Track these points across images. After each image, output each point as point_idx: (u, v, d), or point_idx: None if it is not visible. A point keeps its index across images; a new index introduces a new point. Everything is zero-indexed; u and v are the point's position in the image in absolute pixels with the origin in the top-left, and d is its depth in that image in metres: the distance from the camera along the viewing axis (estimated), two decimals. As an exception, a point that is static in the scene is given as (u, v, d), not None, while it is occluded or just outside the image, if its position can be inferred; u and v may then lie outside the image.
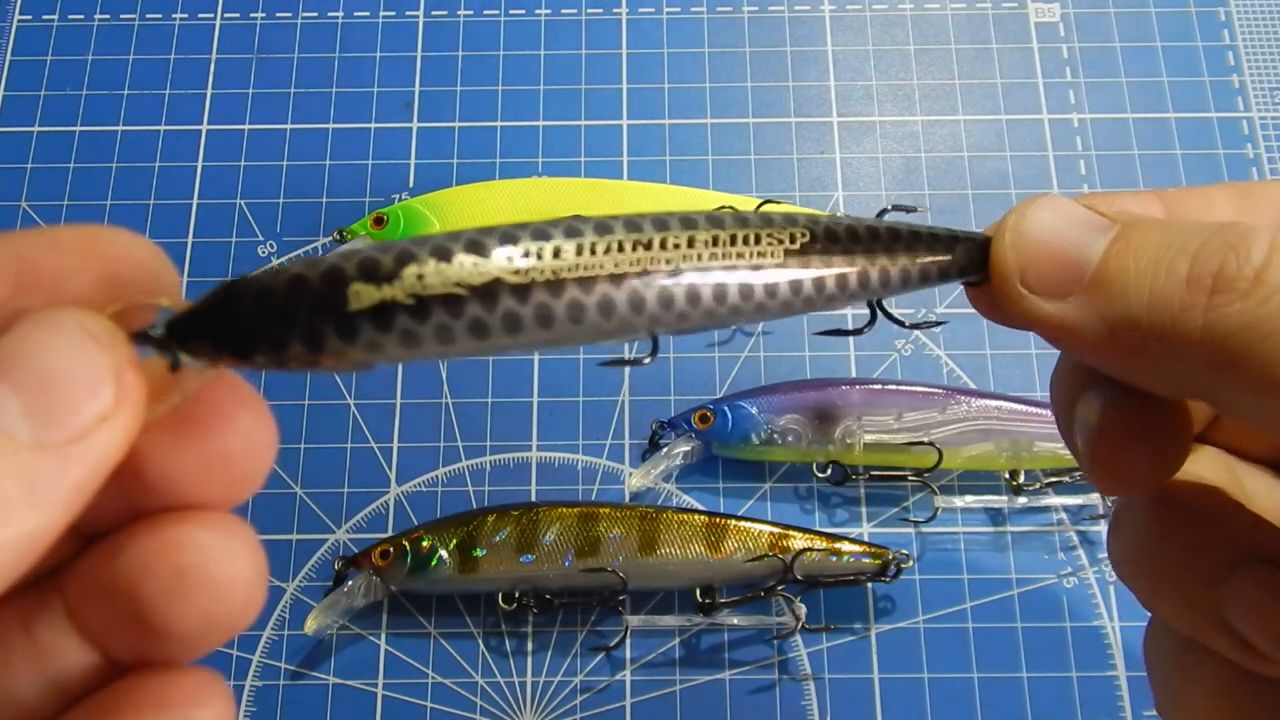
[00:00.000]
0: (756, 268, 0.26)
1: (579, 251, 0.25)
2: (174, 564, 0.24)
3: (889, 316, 0.30)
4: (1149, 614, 0.34)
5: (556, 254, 0.25)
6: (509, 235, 0.24)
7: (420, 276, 0.24)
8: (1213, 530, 0.30)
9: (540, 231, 0.25)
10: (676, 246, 0.26)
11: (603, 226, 0.25)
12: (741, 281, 0.26)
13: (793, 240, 0.27)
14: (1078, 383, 0.30)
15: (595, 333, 0.25)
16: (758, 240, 0.27)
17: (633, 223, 0.26)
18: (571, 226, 0.25)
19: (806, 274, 0.27)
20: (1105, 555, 0.61)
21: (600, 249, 0.25)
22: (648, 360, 0.29)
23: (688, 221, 0.26)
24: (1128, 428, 0.29)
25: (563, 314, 0.25)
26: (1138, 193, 0.31)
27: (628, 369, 0.65)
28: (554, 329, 0.25)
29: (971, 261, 0.29)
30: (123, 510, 0.25)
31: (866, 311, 0.30)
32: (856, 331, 0.32)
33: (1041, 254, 0.27)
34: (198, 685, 0.25)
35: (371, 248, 0.24)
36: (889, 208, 0.32)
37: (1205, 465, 0.33)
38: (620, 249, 0.25)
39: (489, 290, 0.24)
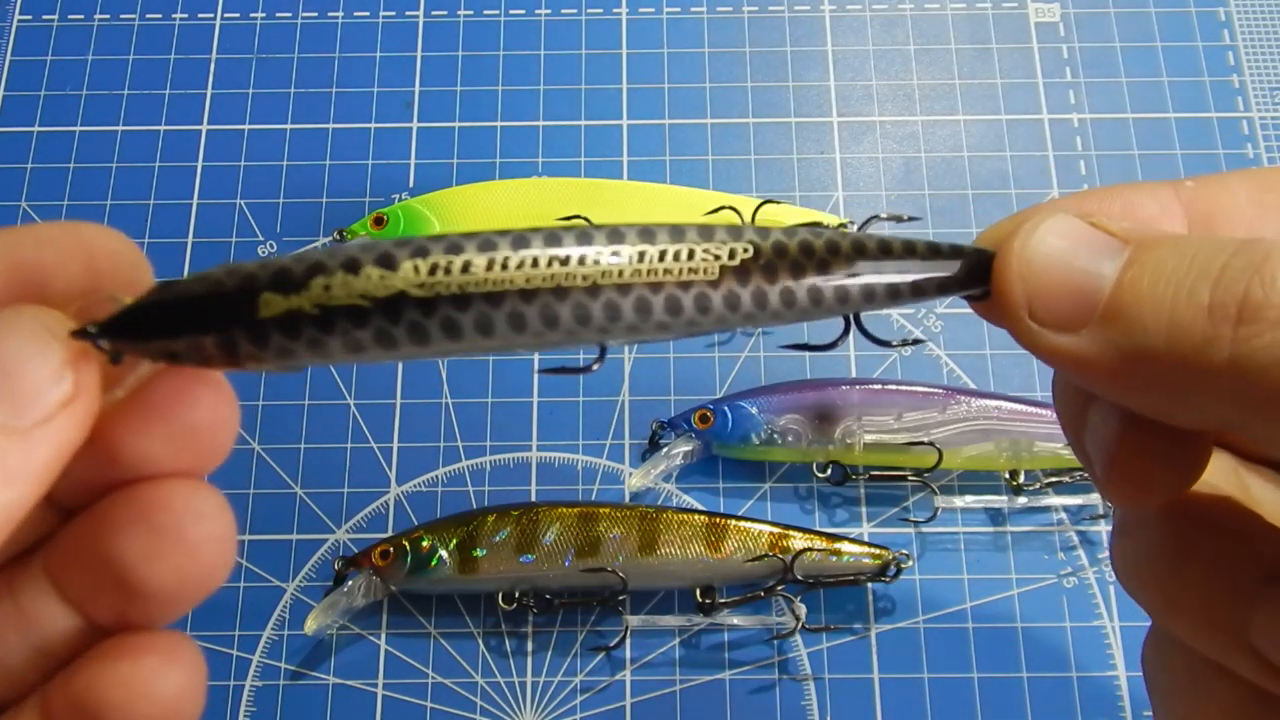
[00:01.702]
0: (685, 285, 0.26)
1: (489, 266, 0.24)
2: (150, 525, 0.26)
3: (865, 334, 0.29)
4: (1150, 622, 0.32)
5: (465, 268, 0.24)
6: (421, 248, 0.24)
7: (327, 288, 0.24)
8: (1234, 546, 0.28)
9: (454, 244, 0.25)
10: (596, 262, 0.25)
11: (520, 240, 0.25)
12: (668, 296, 0.25)
13: (732, 256, 0.26)
14: (1087, 392, 0.28)
15: (514, 344, 0.25)
16: (690, 255, 0.26)
17: (553, 235, 0.25)
18: (488, 240, 0.25)
19: (745, 290, 0.26)
20: (1106, 555, 0.61)
21: (513, 264, 0.25)
22: (595, 367, 0.28)
23: (615, 235, 0.25)
24: (1148, 441, 0.27)
25: (470, 327, 0.25)
26: (1153, 187, 0.28)
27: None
28: (464, 340, 0.25)
29: (969, 277, 0.27)
30: (101, 485, 0.27)
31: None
32: (825, 347, 0.29)
33: (1049, 285, 0.25)
34: (170, 646, 0.27)
35: (293, 256, 0.25)
36: (879, 215, 0.30)
37: (1214, 471, 0.30)
38: (535, 264, 0.25)
39: (393, 303, 0.24)
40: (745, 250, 0.26)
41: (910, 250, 0.27)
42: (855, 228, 0.29)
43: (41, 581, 0.28)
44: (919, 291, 0.27)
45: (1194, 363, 0.23)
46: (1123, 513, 0.31)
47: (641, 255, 0.25)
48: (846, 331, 0.28)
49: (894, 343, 0.31)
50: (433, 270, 0.24)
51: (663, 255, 0.25)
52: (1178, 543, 0.29)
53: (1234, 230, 0.28)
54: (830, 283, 0.26)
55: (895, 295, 0.27)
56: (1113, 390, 0.26)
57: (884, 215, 0.31)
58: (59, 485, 0.26)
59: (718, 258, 0.26)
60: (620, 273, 0.25)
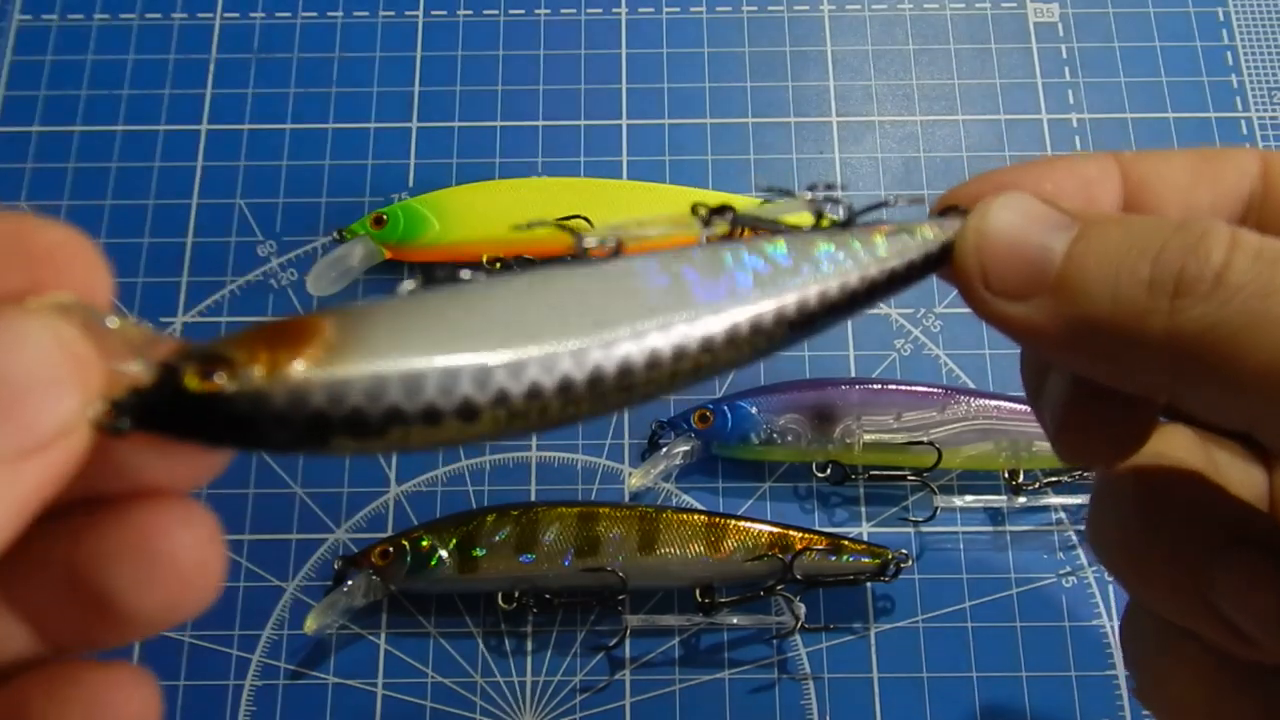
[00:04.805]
0: (722, 366, 0.26)
1: (564, 407, 0.24)
2: (142, 551, 0.24)
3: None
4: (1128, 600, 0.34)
5: (543, 412, 0.24)
6: (502, 394, 0.23)
7: (405, 438, 0.23)
8: (1198, 515, 0.30)
9: (535, 389, 0.23)
10: (653, 382, 0.25)
11: (597, 377, 0.24)
12: (705, 375, 0.26)
13: (770, 340, 0.27)
14: (1045, 360, 0.31)
15: None
16: (736, 347, 0.26)
17: (626, 367, 0.24)
18: (567, 379, 0.23)
19: (770, 350, 0.27)
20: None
21: (585, 399, 0.24)
22: None
23: (679, 352, 0.25)
24: (1093, 405, 0.29)
25: (519, 436, 0.25)
26: (1096, 155, 0.31)
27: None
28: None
29: (944, 255, 0.29)
30: (80, 496, 0.24)
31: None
32: None
33: (1003, 256, 0.27)
34: (127, 679, 0.25)
35: (365, 388, 0.22)
36: (890, 201, 0.32)
37: (1180, 446, 0.33)
38: (603, 399, 0.24)
39: (468, 440, 0.24)
40: (779, 330, 0.27)
41: (906, 258, 0.29)
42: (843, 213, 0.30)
43: None
44: (909, 280, 0.29)
45: (1134, 332, 0.25)
46: (1097, 487, 0.34)
47: (698, 367, 0.25)
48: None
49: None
50: (511, 419, 0.24)
51: (715, 360, 0.26)
52: (1147, 514, 0.31)
53: (1166, 194, 0.30)
54: (841, 318, 0.28)
55: (878, 294, 0.29)
56: (1061, 356, 0.28)
57: (893, 200, 0.32)
58: None
59: (754, 345, 0.26)
60: (674, 384, 0.25)
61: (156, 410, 0.21)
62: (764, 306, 0.26)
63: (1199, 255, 0.25)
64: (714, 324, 0.26)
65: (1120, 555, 0.32)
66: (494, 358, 0.23)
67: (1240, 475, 0.33)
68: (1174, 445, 0.32)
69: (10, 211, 0.23)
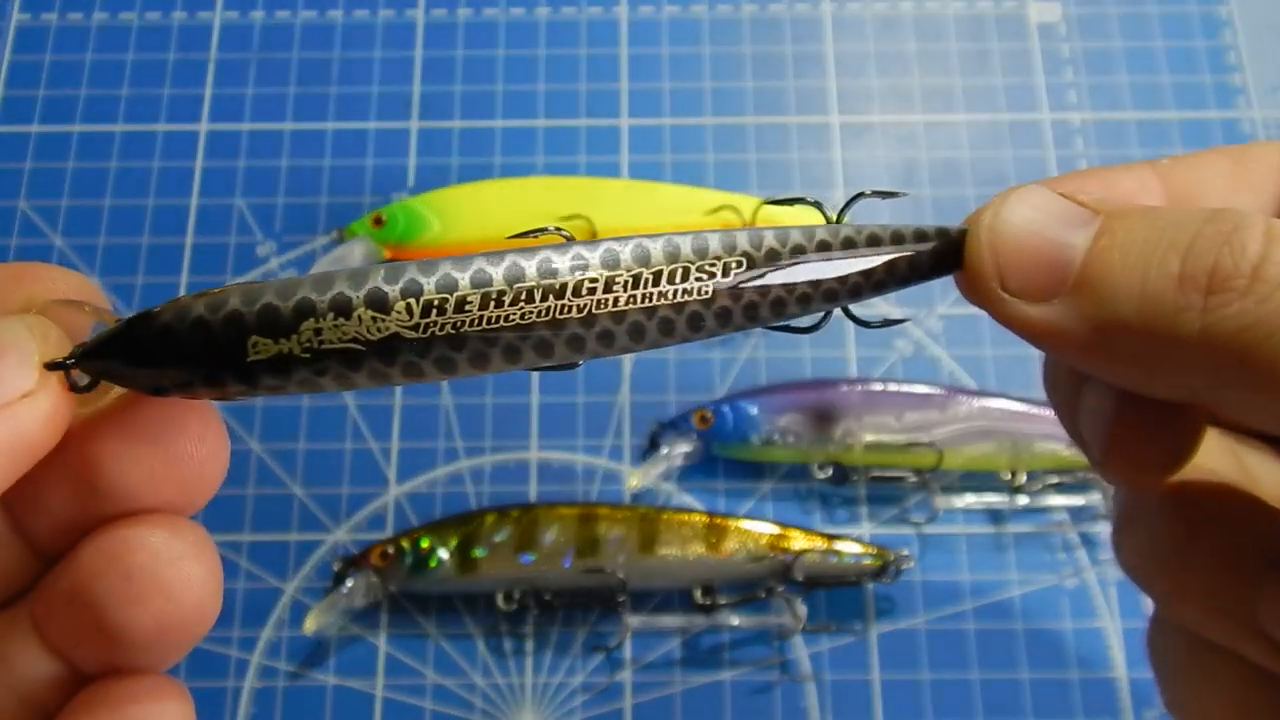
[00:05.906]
0: (679, 307, 0.26)
1: (484, 304, 0.24)
2: (123, 567, 0.25)
3: (850, 316, 0.29)
4: (1154, 608, 0.32)
5: (461, 307, 0.24)
6: (414, 285, 0.24)
7: (317, 331, 0.24)
8: (1236, 532, 0.28)
9: (448, 280, 0.24)
10: (591, 291, 0.25)
11: (515, 272, 0.24)
12: (662, 319, 0.26)
13: (725, 272, 0.26)
14: (1080, 371, 0.28)
15: (506, 370, 0.26)
16: (685, 276, 0.26)
17: (548, 267, 0.25)
18: (482, 272, 0.24)
19: (738, 305, 0.26)
20: (1108, 556, 0.61)
21: (508, 299, 0.24)
22: (580, 362, 0.28)
23: (610, 259, 0.25)
24: (1141, 418, 0.27)
25: (464, 362, 0.25)
26: (1131, 166, 0.29)
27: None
28: (458, 372, 0.25)
29: (948, 257, 0.27)
30: (81, 524, 0.26)
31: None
32: (810, 328, 0.29)
33: (1020, 254, 0.25)
34: (154, 692, 0.26)
35: (277, 287, 0.24)
36: (866, 192, 0.30)
37: (1210, 452, 0.31)
38: (529, 298, 0.24)
39: (387, 345, 0.24)
40: (739, 264, 0.26)
41: (898, 239, 0.27)
42: (837, 210, 0.29)
43: (26, 629, 0.26)
44: (897, 277, 0.27)
45: (1165, 333, 0.23)
46: (1124, 505, 0.32)
47: (637, 279, 0.25)
48: (829, 313, 0.28)
49: (873, 322, 0.30)
50: (426, 311, 0.24)
51: (657, 278, 0.25)
52: (1180, 533, 0.29)
53: (1210, 202, 0.28)
54: (819, 288, 0.27)
55: (877, 285, 0.27)
56: (1087, 362, 0.26)
57: (869, 191, 0.31)
58: (39, 526, 0.25)
59: (712, 275, 0.26)
60: (616, 301, 0.25)
61: (101, 342, 0.24)
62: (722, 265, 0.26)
63: (1234, 247, 0.23)
64: (660, 247, 0.25)
65: (1154, 577, 0.30)
66: (407, 265, 0.25)
67: (1273, 480, 0.31)
68: (1203, 451, 0.30)
69: (16, 262, 0.26)
